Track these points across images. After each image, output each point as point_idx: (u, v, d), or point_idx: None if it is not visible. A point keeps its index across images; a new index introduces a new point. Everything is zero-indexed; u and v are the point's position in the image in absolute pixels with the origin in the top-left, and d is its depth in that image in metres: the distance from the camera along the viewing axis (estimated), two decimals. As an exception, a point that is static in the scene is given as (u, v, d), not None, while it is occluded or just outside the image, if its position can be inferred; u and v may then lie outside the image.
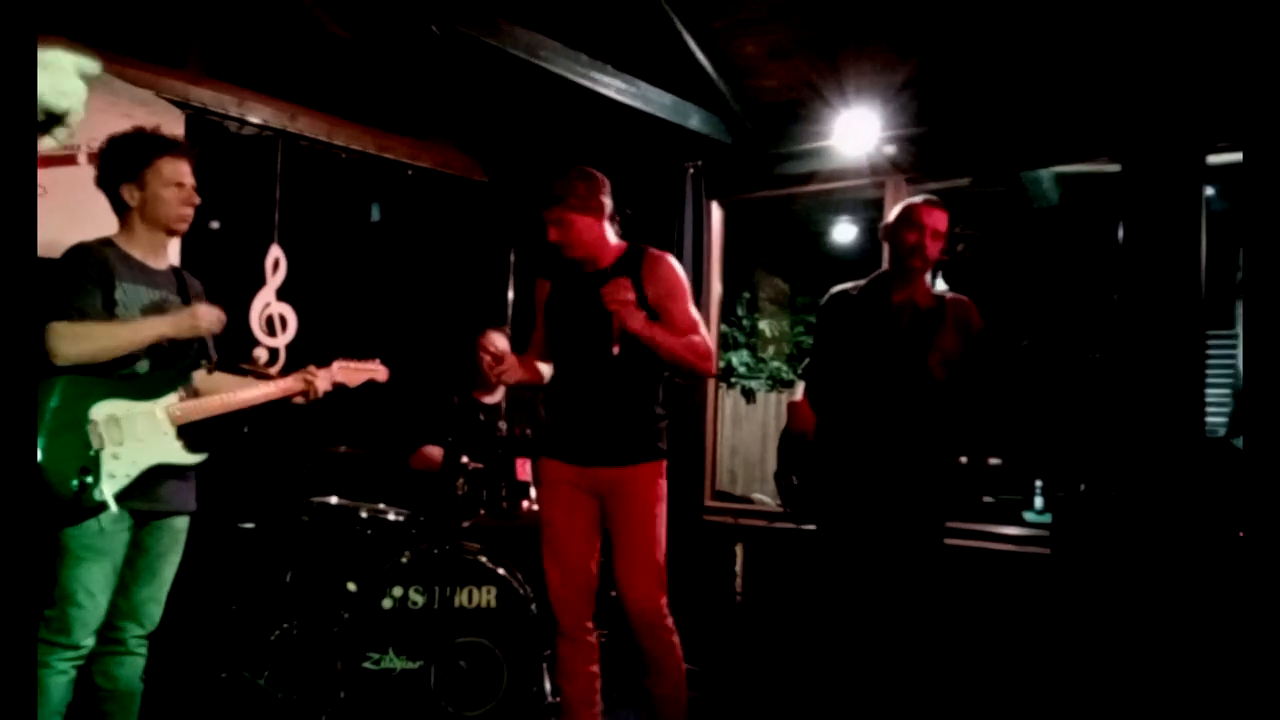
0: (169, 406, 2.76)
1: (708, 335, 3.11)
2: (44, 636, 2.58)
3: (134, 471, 2.65)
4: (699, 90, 4.53)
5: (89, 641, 2.64)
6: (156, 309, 2.78)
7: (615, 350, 2.92)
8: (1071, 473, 3.96)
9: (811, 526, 3.36)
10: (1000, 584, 3.88)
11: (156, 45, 4.04)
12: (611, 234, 3.11)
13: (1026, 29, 3.84)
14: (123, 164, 2.76)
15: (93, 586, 2.61)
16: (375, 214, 5.02)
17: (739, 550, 3.74)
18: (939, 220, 3.16)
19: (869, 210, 5.36)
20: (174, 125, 4.08)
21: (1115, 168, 3.90)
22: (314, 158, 4.64)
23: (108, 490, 2.58)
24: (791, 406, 3.40)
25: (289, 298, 4.49)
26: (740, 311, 7.13)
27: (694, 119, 4.56)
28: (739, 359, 6.98)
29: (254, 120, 4.44)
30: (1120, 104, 3.76)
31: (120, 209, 2.80)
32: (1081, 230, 4.84)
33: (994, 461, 4.97)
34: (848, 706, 3.20)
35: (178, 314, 2.77)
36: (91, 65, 1.59)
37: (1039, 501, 4.62)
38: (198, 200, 2.85)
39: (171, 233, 2.85)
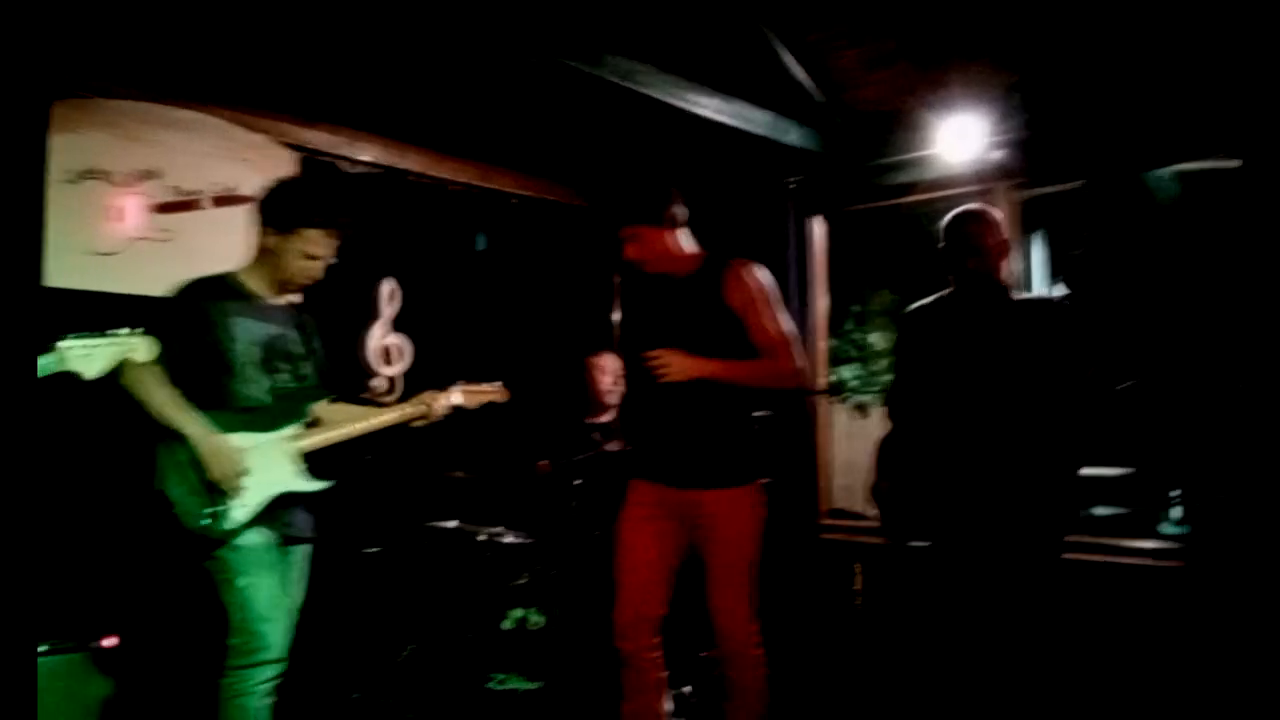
0: (293, 436, 2.85)
1: (794, 347, 2.95)
2: (238, 664, 2.66)
3: (261, 500, 2.73)
4: (796, 105, 4.51)
5: (285, 649, 2.73)
6: (269, 345, 2.86)
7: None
8: (1210, 483, 3.79)
9: (916, 543, 3.23)
10: (1136, 600, 3.73)
11: (271, 93, 4.22)
12: (687, 243, 3.06)
13: (1135, 26, 3.73)
14: (279, 211, 2.84)
15: (271, 599, 2.71)
16: (481, 243, 5.13)
17: (858, 569, 3.67)
18: (992, 228, 3.13)
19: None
20: (286, 166, 4.25)
21: (1236, 163, 3.74)
22: (421, 192, 4.77)
23: (236, 518, 2.67)
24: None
25: (403, 328, 4.62)
26: (849, 325, 7.04)
27: (792, 134, 4.54)
28: (851, 373, 6.88)
29: (364, 158, 4.59)
30: (1238, 97, 3.61)
31: (257, 243, 2.88)
32: (1207, 228, 4.65)
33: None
34: None
35: (206, 442, 2.65)
36: None
37: (1176, 513, 4.40)
38: (321, 277, 2.92)
39: (284, 289, 2.92)
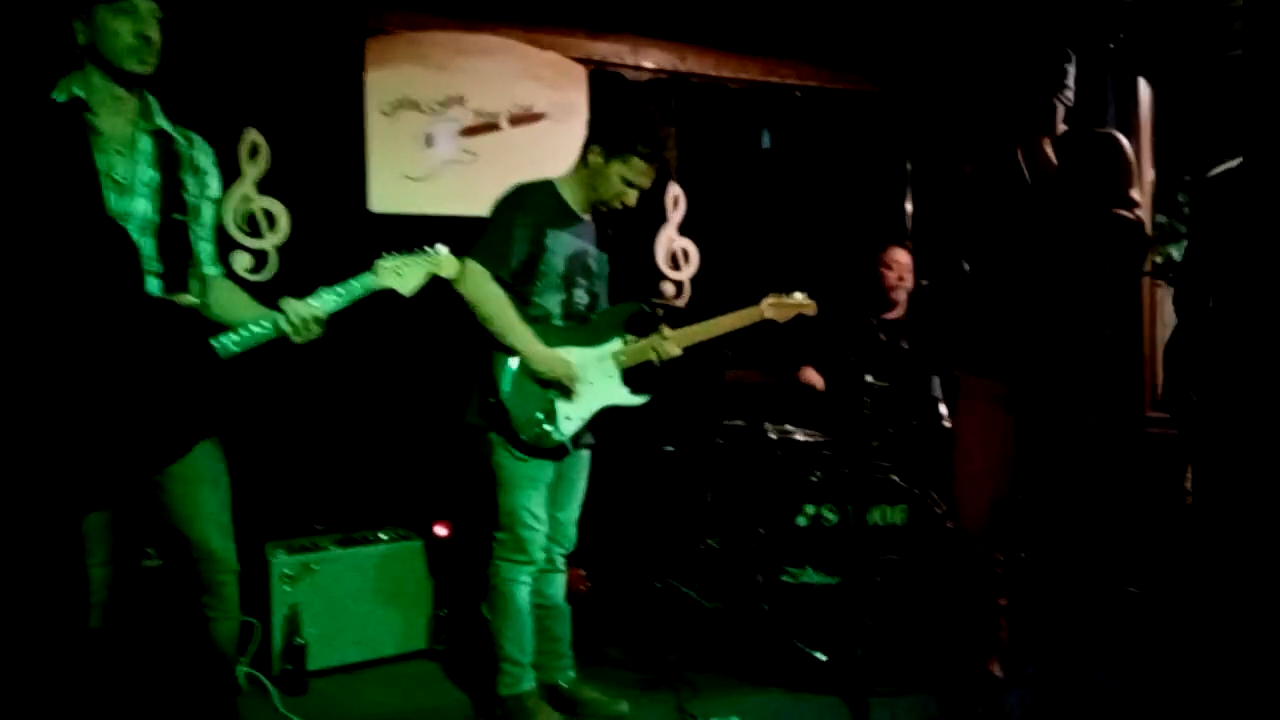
0: (616, 352, 2.96)
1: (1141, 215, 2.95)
2: (504, 556, 2.90)
3: (588, 414, 2.88)
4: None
5: (541, 556, 2.94)
6: (574, 260, 2.96)
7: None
8: None
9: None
10: None
11: (559, 8, 4.34)
12: None
13: None
14: (612, 132, 2.92)
15: (537, 510, 2.89)
16: (766, 141, 5.03)
17: (1189, 467, 3.32)
18: None
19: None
20: (578, 79, 4.38)
21: None
22: (704, 93, 4.75)
23: (565, 431, 2.84)
24: None
25: (689, 232, 4.68)
26: (1181, 198, 6.29)
27: (1110, -14, 4.03)
28: (1180, 252, 6.17)
29: (648, 65, 4.63)
30: None
31: (581, 158, 2.97)
32: None
33: None
34: None
35: (552, 358, 2.83)
36: None
37: None
38: (633, 205, 2.97)
39: (596, 208, 3.00)
